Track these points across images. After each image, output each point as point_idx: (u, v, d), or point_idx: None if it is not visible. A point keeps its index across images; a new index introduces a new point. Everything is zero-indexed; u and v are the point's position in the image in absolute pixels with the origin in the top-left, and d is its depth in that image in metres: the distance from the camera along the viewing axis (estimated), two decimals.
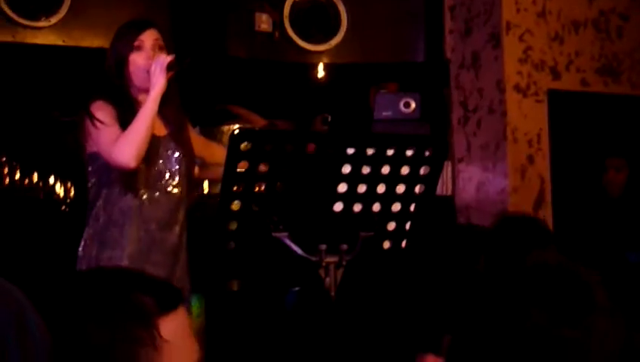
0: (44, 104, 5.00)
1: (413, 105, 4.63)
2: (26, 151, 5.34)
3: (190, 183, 2.98)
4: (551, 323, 1.34)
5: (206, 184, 4.70)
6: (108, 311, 1.06)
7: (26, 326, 0.86)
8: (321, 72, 4.96)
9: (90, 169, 2.90)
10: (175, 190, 2.89)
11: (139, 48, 2.86)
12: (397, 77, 4.84)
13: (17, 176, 5.40)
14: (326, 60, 4.90)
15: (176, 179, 2.90)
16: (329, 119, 5.46)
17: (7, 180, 5.41)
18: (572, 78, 4.70)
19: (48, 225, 5.03)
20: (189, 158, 2.96)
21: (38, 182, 5.42)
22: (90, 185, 2.91)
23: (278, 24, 4.77)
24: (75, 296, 1.08)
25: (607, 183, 4.81)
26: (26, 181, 5.45)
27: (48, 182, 5.45)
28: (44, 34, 4.74)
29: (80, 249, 2.86)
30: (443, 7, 4.74)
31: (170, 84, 2.85)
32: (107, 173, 2.83)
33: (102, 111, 2.80)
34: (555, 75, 4.65)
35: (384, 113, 4.57)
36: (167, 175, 2.89)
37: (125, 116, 2.79)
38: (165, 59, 2.78)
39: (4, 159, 5.42)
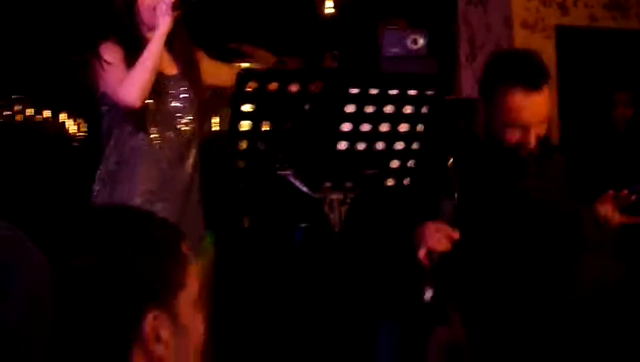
0: (56, 43, 5.04)
1: (421, 41, 4.62)
2: (38, 89, 5.41)
3: (201, 121, 3.03)
4: None
5: (216, 120, 4.76)
6: (155, 249, 1.12)
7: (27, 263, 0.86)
8: (329, 9, 4.97)
9: (102, 109, 2.95)
10: (186, 128, 2.95)
11: None
12: (405, 13, 4.83)
13: (30, 112, 5.48)
14: None
15: (187, 117, 2.95)
16: (338, 55, 5.48)
17: (20, 117, 5.50)
18: (580, 13, 4.69)
19: (60, 160, 5.13)
20: (200, 96, 3.01)
21: (49, 118, 5.50)
22: (102, 124, 2.97)
23: None
24: (117, 232, 1.13)
25: (615, 118, 4.84)
26: (38, 117, 5.53)
27: (59, 118, 5.53)
28: None
29: (94, 188, 2.94)
30: None
31: (177, 22, 2.89)
32: (117, 113, 2.88)
33: (109, 52, 2.85)
34: (563, 10, 4.64)
35: (392, 50, 4.58)
36: (178, 113, 2.94)
37: (133, 56, 2.83)
38: None
39: (16, 96, 5.50)
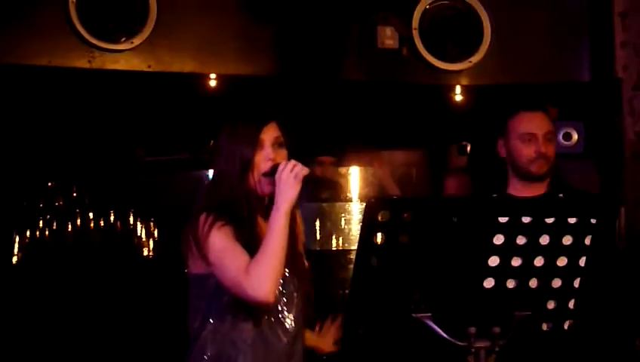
0: (126, 139, 5.48)
1: (575, 136, 4.87)
2: (104, 189, 5.87)
3: (306, 317, 3.17)
4: None
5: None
6: None
7: None
8: (458, 96, 5.24)
9: (193, 291, 3.06)
10: (292, 323, 3.08)
11: (260, 147, 3.01)
12: (553, 101, 5.05)
13: (91, 215, 5.94)
14: (465, 82, 5.17)
15: (293, 311, 3.09)
16: (467, 149, 5.76)
17: (79, 220, 5.98)
18: None
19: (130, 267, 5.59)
20: (305, 289, 3.14)
21: (115, 221, 5.95)
22: (192, 311, 3.07)
23: (405, 39, 5.08)
24: None
25: None
26: (101, 222, 6.00)
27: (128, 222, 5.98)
28: (127, 57, 5.14)
29: None
30: (612, 14, 4.91)
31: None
32: (217, 300, 2.99)
33: (221, 234, 2.93)
34: None
35: None
36: (285, 307, 3.07)
37: (244, 231, 2.95)
38: (302, 169, 2.93)
39: (75, 195, 5.98)
